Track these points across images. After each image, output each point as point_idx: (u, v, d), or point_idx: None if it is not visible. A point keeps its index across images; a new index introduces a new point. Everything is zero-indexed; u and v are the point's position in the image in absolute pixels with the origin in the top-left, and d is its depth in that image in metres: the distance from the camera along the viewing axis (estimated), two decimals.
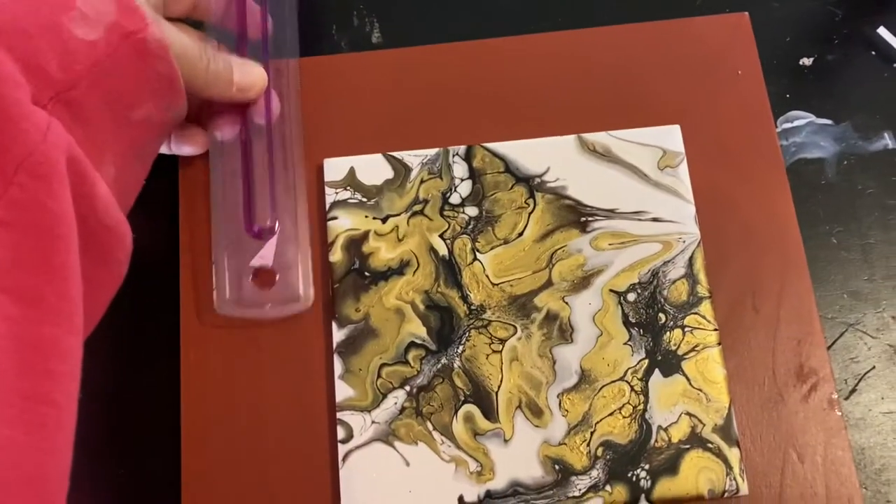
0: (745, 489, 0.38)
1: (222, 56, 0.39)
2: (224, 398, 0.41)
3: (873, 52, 0.47)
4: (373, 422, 0.40)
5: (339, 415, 0.40)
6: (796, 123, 0.46)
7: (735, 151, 0.44)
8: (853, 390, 0.42)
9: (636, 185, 0.43)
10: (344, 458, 0.39)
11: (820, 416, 0.40)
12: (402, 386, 0.40)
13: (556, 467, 0.39)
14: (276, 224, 0.41)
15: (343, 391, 0.40)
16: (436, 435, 0.39)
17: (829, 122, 0.46)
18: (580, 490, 0.38)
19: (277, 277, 0.41)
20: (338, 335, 0.41)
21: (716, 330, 0.40)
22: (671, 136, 0.43)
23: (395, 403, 0.40)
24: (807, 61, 0.47)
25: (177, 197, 0.44)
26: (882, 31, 0.47)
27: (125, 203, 0.37)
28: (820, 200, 0.45)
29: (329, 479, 0.39)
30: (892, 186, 0.45)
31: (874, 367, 0.42)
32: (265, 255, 0.41)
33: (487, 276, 0.41)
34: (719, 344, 0.40)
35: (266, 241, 0.41)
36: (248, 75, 0.40)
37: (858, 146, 0.46)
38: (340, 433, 0.39)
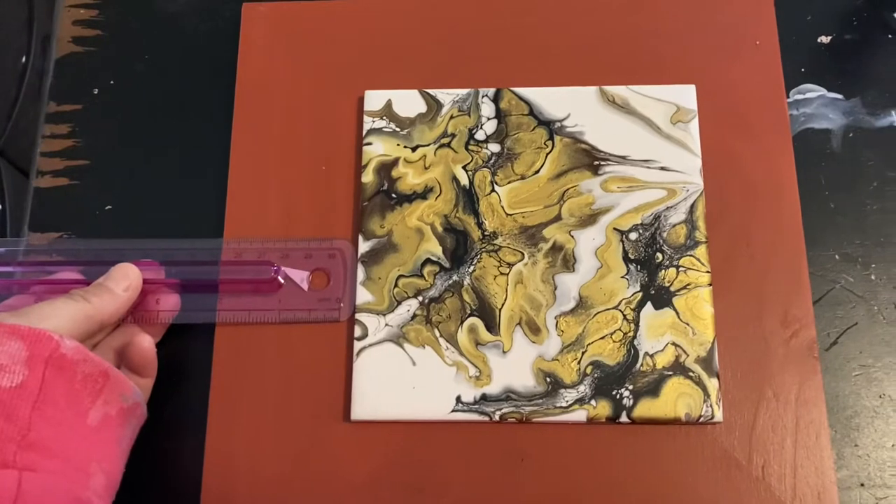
0: (719, 416, 0.42)
1: (91, 290, 0.41)
2: None
3: (889, 36, 0.50)
4: (386, 324, 0.44)
5: (357, 315, 0.44)
6: (808, 95, 0.49)
7: (745, 114, 0.47)
8: (834, 343, 0.44)
9: (648, 136, 0.46)
10: (358, 353, 0.43)
11: (798, 359, 0.43)
12: (415, 296, 0.44)
13: (548, 379, 0.42)
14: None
15: (363, 295, 0.44)
16: (441, 341, 0.43)
17: (839, 96, 0.49)
18: (567, 402, 0.42)
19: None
20: (363, 246, 0.45)
21: (708, 272, 0.44)
22: (686, 95, 0.47)
23: (408, 310, 0.44)
24: (825, 39, 0.50)
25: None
26: None
27: (114, 492, 0.39)
28: (822, 168, 0.47)
29: (343, 372, 0.44)
30: (893, 160, 0.47)
31: (856, 324, 0.45)
32: None
33: (503, 207, 0.45)
34: (710, 285, 0.43)
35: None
36: (118, 279, 0.42)
37: (865, 121, 0.48)
38: (357, 331, 0.44)
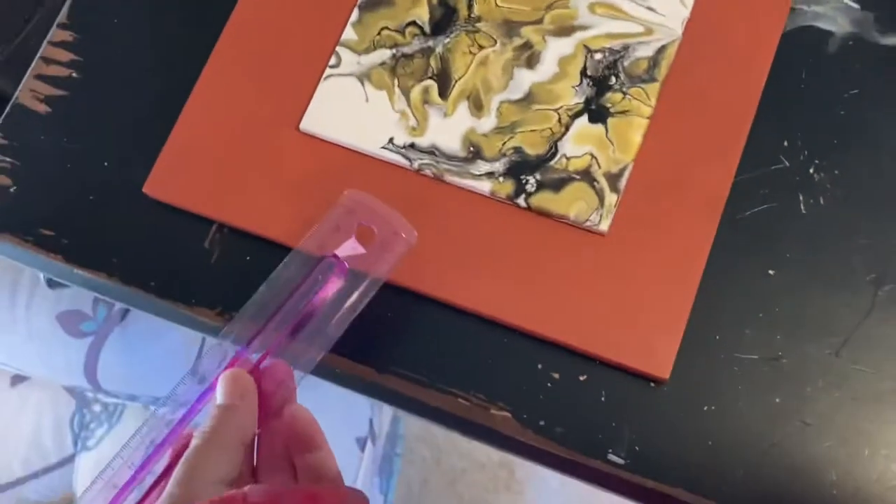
0: (604, 227, 0.45)
1: (207, 421, 0.36)
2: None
3: None
4: (359, 63, 0.49)
5: (337, 48, 0.50)
6: None
7: None
8: (745, 216, 0.46)
9: None
10: (326, 78, 0.49)
11: (700, 213, 0.45)
12: (391, 48, 0.49)
13: (471, 149, 0.47)
14: None
15: (349, 34, 0.50)
16: (397, 90, 0.48)
17: (855, 5, 0.49)
18: (480, 171, 0.46)
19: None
20: None
21: (651, 107, 0.46)
22: None
23: (380, 57, 0.49)
24: None
25: None
26: None
27: None
28: (810, 64, 0.48)
29: (310, 92, 0.50)
30: (882, 74, 0.48)
31: (775, 206, 0.46)
32: None
33: None
34: (648, 118, 0.46)
35: None
36: (228, 391, 0.37)
37: (871, 35, 0.49)
38: (333, 60, 0.49)
